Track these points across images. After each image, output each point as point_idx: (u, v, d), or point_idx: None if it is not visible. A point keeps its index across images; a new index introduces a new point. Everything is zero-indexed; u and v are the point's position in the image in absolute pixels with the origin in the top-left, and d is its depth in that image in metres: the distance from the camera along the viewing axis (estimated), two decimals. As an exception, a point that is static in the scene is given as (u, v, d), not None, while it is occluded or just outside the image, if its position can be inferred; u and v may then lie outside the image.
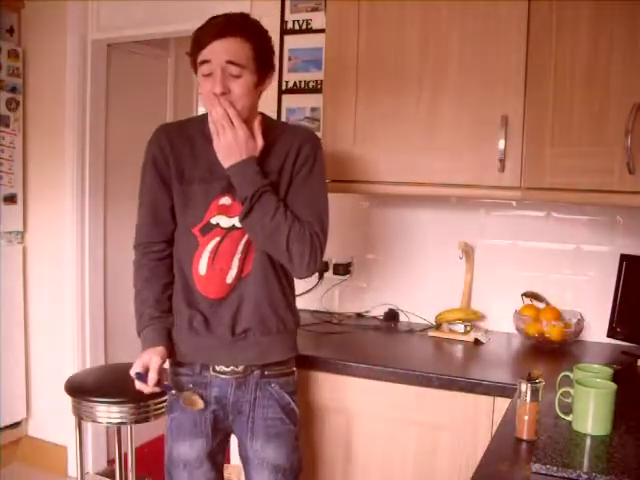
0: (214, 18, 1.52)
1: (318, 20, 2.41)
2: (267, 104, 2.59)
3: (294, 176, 1.59)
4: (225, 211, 1.56)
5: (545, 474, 1.12)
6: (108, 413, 2.12)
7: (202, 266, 1.57)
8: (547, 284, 2.17)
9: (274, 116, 2.51)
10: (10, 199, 3.05)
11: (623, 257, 1.99)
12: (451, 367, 1.82)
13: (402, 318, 2.33)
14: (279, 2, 2.50)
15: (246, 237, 1.56)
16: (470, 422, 1.67)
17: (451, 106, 1.90)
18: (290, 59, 2.50)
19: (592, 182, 1.64)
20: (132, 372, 1.54)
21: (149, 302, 1.62)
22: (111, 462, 3.11)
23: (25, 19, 3.07)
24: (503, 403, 1.56)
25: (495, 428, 1.41)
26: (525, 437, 1.28)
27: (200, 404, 1.57)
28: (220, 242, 1.57)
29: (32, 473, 3.10)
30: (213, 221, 1.56)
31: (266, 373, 1.61)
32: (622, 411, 1.28)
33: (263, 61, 1.54)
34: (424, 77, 1.92)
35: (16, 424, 3.14)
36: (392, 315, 2.32)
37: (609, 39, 1.59)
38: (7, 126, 2.99)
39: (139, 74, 3.36)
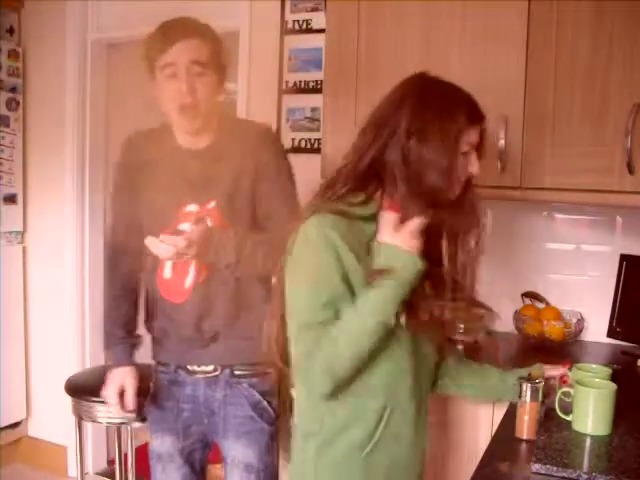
0: (167, 22, 1.57)
1: (318, 20, 2.41)
2: (267, 104, 2.59)
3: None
4: (191, 218, 1.57)
5: (545, 474, 1.12)
6: (108, 413, 2.11)
7: (167, 271, 1.62)
8: (547, 284, 2.17)
9: (274, 116, 2.52)
10: (10, 199, 3.05)
11: (623, 257, 1.99)
12: (451, 367, 1.81)
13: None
14: (279, 2, 2.50)
15: None
16: (470, 422, 1.67)
17: (451, 106, 1.90)
18: (290, 59, 2.50)
19: (592, 182, 1.64)
20: (109, 394, 1.68)
21: (118, 323, 1.70)
22: (111, 462, 3.11)
23: (25, 19, 3.07)
24: (503, 403, 1.56)
25: (495, 428, 1.41)
26: (525, 437, 1.28)
27: None
28: None
29: (32, 473, 3.10)
30: (180, 227, 1.56)
31: (236, 373, 1.64)
32: (622, 411, 1.28)
33: (221, 62, 1.58)
34: (424, 77, 1.92)
35: (16, 424, 3.14)
36: (392, 315, 2.32)
37: (609, 39, 1.59)
38: (7, 126, 2.99)
39: (139, 74, 3.35)
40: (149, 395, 1.73)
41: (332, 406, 1.21)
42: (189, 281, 1.60)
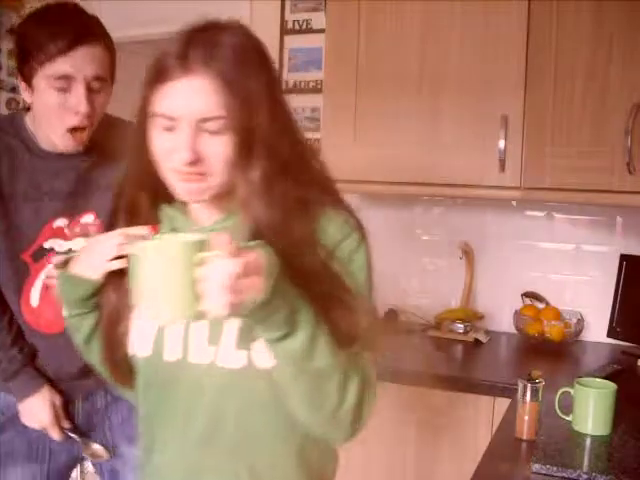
0: (53, 12, 1.21)
1: (318, 20, 2.41)
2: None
3: None
4: (61, 234, 1.35)
5: (545, 474, 1.12)
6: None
7: (34, 297, 1.37)
8: (547, 284, 2.17)
9: (274, 116, 2.52)
10: (10, 199, 3.05)
11: (623, 257, 1.99)
12: (451, 367, 1.82)
13: (402, 318, 2.33)
14: (279, 2, 2.50)
15: None
16: (470, 422, 1.67)
17: (451, 106, 1.90)
18: (290, 59, 2.50)
19: (592, 182, 1.64)
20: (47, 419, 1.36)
21: (6, 345, 1.36)
22: (111, 462, 3.10)
23: (25, 19, 3.07)
24: (503, 403, 1.56)
25: (495, 428, 1.41)
26: (525, 437, 1.29)
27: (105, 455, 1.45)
28: None
29: (32, 473, 3.09)
30: (46, 245, 1.35)
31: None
32: (622, 411, 1.29)
33: (114, 71, 1.30)
34: (424, 77, 1.92)
35: (16, 424, 3.14)
36: (392, 315, 2.32)
37: (609, 39, 1.59)
38: (7, 126, 2.99)
39: (139, 74, 3.35)
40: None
41: None
42: None
